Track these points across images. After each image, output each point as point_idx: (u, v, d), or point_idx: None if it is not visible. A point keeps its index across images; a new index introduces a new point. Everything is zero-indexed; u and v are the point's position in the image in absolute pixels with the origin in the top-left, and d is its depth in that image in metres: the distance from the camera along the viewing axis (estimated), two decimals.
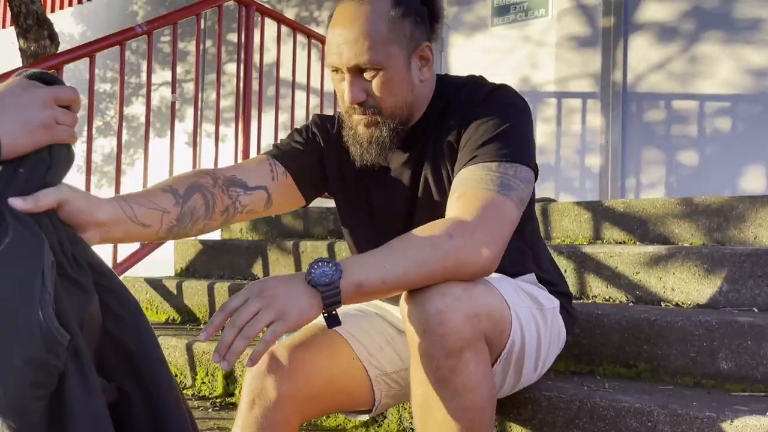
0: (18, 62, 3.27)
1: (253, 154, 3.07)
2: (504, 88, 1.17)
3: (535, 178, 1.14)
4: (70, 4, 6.62)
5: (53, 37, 3.22)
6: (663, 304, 1.69)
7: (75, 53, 2.25)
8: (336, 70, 1.12)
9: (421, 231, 0.99)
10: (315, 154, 1.27)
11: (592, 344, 1.53)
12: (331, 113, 2.78)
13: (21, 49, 3.19)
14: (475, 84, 1.20)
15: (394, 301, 1.30)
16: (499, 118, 1.10)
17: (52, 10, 6.63)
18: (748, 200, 1.82)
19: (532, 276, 1.25)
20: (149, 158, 2.58)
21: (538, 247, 1.31)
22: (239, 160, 2.98)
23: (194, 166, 2.73)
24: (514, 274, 1.22)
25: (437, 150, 1.17)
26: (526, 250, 1.26)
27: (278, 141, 1.39)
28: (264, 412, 1.11)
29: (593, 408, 1.27)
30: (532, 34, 3.99)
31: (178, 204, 1.08)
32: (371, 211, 1.26)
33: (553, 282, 1.28)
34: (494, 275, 1.19)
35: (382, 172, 1.23)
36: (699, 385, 1.41)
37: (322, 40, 3.44)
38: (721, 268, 1.62)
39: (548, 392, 1.33)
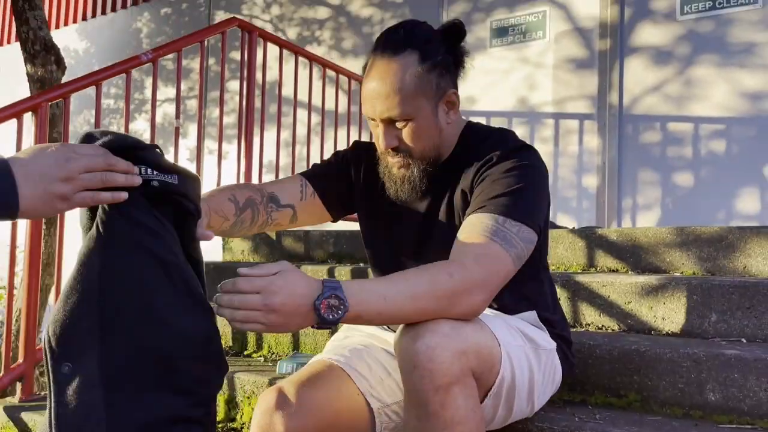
0: (22, 77, 3.34)
1: (255, 170, 3.12)
2: (528, 149, 1.25)
3: (539, 238, 1.20)
4: (75, 21, 6.70)
5: (60, 62, 3.28)
6: (654, 333, 1.73)
7: (82, 82, 2.31)
8: (372, 120, 1.25)
9: (425, 268, 1.07)
10: (344, 180, 1.41)
11: (585, 374, 1.57)
12: (332, 129, 2.82)
13: (28, 74, 3.26)
14: (503, 138, 1.28)
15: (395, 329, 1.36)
16: (517, 177, 1.18)
17: (57, 27, 6.72)
18: (737, 231, 1.87)
19: (533, 314, 1.30)
20: None
21: (544, 286, 1.36)
22: (242, 176, 3.04)
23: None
24: (514, 311, 1.28)
25: (454, 194, 1.27)
26: (531, 288, 1.32)
27: (313, 162, 1.57)
28: None
29: None
30: (530, 55, 4.06)
31: (236, 215, 1.27)
32: (389, 241, 1.36)
33: (553, 324, 1.34)
34: (489, 313, 1.24)
35: (404, 205, 1.32)
36: (688, 415, 1.45)
37: (322, 62, 3.50)
38: (710, 299, 1.67)
39: (540, 423, 1.37)
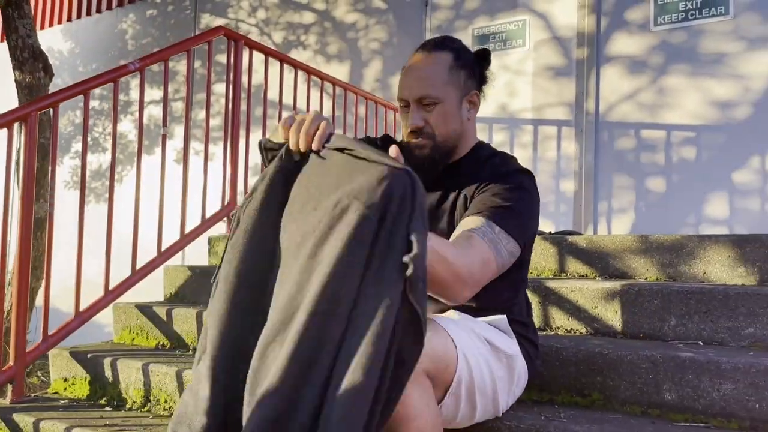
0: (8, 76, 3.36)
1: (240, 172, 3.19)
2: (529, 174, 1.42)
3: (522, 254, 1.36)
4: (59, 22, 6.70)
5: (47, 69, 3.33)
6: (618, 336, 1.84)
7: (70, 91, 2.37)
8: (404, 104, 1.43)
9: (441, 240, 1.19)
10: None
11: (552, 375, 1.67)
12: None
13: (16, 81, 3.30)
14: (508, 159, 1.47)
15: None
16: (515, 194, 1.33)
17: (42, 27, 6.72)
18: (696, 239, 1.98)
19: (504, 319, 1.40)
20: (135, 175, 2.70)
21: (519, 296, 1.50)
22: (228, 178, 3.11)
23: (184, 183, 2.85)
24: (485, 311, 1.39)
25: (458, 197, 1.42)
26: (507, 297, 1.44)
27: None
28: None
29: None
30: (510, 63, 4.16)
31: None
32: None
33: (523, 330, 1.46)
34: (454, 315, 1.34)
35: None
36: (646, 414, 1.55)
37: (307, 69, 3.58)
38: (670, 304, 1.77)
39: (509, 422, 1.46)
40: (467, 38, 4.31)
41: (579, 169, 3.88)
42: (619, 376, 1.59)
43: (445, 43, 1.43)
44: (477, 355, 1.26)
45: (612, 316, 1.86)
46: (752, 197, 3.45)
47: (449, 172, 1.46)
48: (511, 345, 1.37)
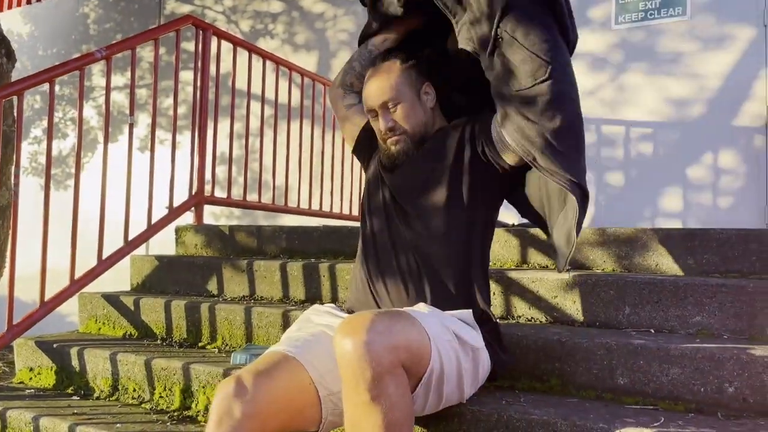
0: None
1: (208, 161, 3.19)
2: None
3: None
4: (19, 4, 6.50)
5: (10, 55, 3.26)
6: (576, 325, 1.92)
7: (35, 79, 2.34)
8: (373, 113, 1.64)
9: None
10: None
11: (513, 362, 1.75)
12: (284, 123, 3.15)
13: None
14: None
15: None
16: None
17: (0, 9, 6.51)
18: (651, 232, 2.08)
19: (469, 312, 1.46)
20: (96, 163, 2.68)
21: (485, 284, 1.61)
22: (195, 168, 3.10)
23: (151, 171, 2.84)
24: (455, 305, 1.48)
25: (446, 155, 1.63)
26: (472, 285, 1.53)
27: None
28: (230, 429, 1.28)
29: (509, 420, 1.49)
30: None
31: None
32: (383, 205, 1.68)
33: (488, 318, 1.56)
34: (424, 309, 1.40)
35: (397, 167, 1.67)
36: (600, 398, 1.64)
37: (276, 60, 3.58)
38: (625, 294, 1.87)
39: (472, 407, 1.53)
40: None
41: None
42: (576, 363, 1.68)
43: (390, 53, 1.69)
44: (448, 348, 1.33)
45: (570, 305, 1.94)
46: (705, 192, 3.61)
47: (427, 146, 1.65)
48: (476, 338, 1.44)
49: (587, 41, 3.90)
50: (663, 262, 2.04)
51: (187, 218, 3.14)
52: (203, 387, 1.92)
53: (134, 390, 2.07)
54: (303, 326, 1.59)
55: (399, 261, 1.56)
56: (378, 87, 1.61)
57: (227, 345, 2.22)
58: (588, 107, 3.92)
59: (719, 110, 3.59)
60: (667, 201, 3.68)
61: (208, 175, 3.21)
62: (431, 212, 1.56)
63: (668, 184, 3.68)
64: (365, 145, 1.80)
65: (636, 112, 3.80)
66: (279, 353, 1.42)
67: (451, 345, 1.34)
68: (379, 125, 1.63)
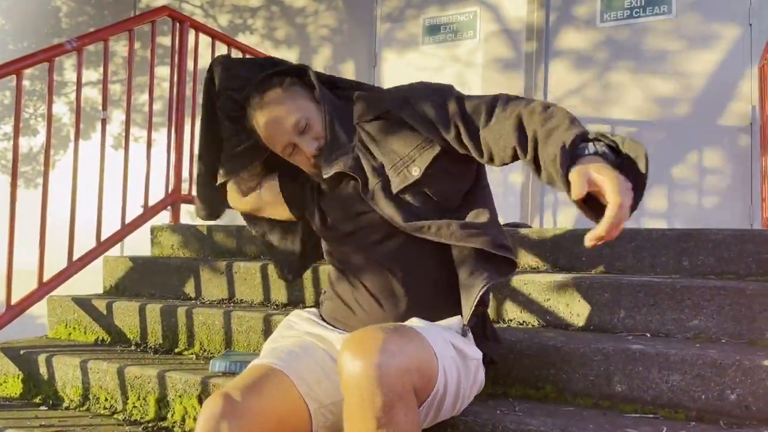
0: None
1: (185, 158, 3.08)
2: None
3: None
4: None
5: None
6: (570, 329, 1.86)
7: (2, 71, 2.21)
8: (289, 149, 1.45)
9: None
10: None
11: (506, 368, 1.68)
12: None
13: None
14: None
15: (336, 327, 1.44)
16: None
17: None
18: (646, 232, 2.02)
19: (457, 320, 1.37)
20: (69, 160, 2.56)
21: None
22: (171, 165, 3.00)
23: (125, 169, 2.73)
24: (449, 312, 1.38)
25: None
26: (450, 285, 1.40)
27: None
28: None
29: (504, 431, 1.41)
30: (460, 54, 4.17)
31: None
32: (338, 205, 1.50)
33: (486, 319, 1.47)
34: (421, 324, 1.30)
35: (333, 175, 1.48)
36: (597, 405, 1.57)
37: (256, 55, 3.48)
38: (620, 297, 1.81)
39: (465, 417, 1.46)
40: (418, 28, 4.30)
41: None
42: (572, 369, 1.61)
43: (265, 83, 1.48)
44: (451, 365, 1.24)
45: (564, 308, 1.88)
46: (690, 192, 3.59)
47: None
48: (474, 348, 1.37)
49: (573, 39, 3.86)
50: (659, 263, 1.99)
51: (164, 217, 3.02)
52: (180, 396, 1.82)
53: (106, 399, 1.96)
54: (286, 333, 1.50)
55: (371, 265, 1.44)
56: (276, 122, 1.43)
57: (205, 351, 2.12)
58: (573, 105, 3.91)
59: (705, 109, 3.57)
60: (653, 200, 3.65)
61: (185, 173, 3.10)
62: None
63: (654, 184, 3.65)
64: (297, 194, 1.58)
65: (621, 111, 3.76)
66: (265, 366, 1.33)
67: (454, 361, 1.26)
68: (305, 152, 1.43)
